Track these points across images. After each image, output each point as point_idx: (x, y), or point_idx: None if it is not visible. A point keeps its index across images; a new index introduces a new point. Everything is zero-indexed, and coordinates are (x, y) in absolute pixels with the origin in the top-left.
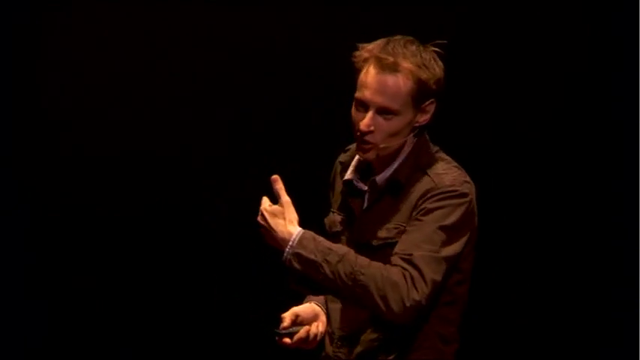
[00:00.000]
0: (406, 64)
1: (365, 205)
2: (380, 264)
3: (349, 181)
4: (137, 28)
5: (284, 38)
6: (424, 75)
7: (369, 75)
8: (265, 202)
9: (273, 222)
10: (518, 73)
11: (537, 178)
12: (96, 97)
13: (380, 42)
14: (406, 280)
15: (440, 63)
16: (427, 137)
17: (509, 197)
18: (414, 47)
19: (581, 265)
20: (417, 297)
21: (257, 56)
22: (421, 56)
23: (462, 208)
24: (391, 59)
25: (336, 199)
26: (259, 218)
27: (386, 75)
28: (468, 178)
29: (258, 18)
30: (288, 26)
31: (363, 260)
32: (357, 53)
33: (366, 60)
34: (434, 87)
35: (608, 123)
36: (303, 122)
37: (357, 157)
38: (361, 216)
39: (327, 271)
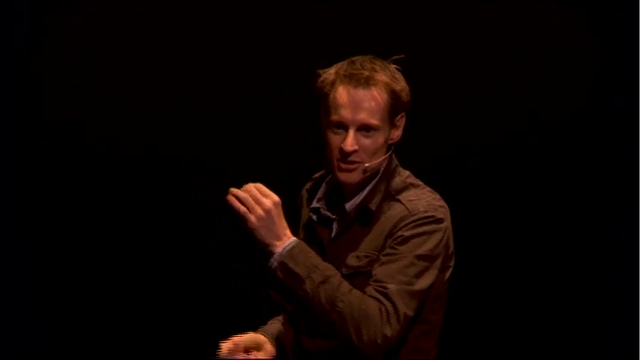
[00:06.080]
0: (380, 77)
1: (333, 233)
2: (360, 293)
3: (317, 209)
4: (137, 29)
5: (288, 41)
6: (398, 87)
7: (343, 94)
8: (260, 189)
9: (267, 218)
10: (518, 74)
11: (538, 179)
12: (95, 97)
13: (342, 63)
14: (381, 315)
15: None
16: (397, 162)
17: (508, 198)
18: (379, 62)
19: (581, 266)
20: (389, 333)
21: (259, 58)
22: (390, 69)
23: (438, 235)
24: (366, 73)
25: (302, 229)
26: (248, 205)
27: (361, 90)
28: (442, 202)
29: (259, 19)
30: (293, 28)
31: (345, 287)
32: (322, 78)
33: (333, 82)
34: (406, 99)
35: (608, 125)
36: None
37: (324, 185)
38: (330, 245)
39: (309, 288)
